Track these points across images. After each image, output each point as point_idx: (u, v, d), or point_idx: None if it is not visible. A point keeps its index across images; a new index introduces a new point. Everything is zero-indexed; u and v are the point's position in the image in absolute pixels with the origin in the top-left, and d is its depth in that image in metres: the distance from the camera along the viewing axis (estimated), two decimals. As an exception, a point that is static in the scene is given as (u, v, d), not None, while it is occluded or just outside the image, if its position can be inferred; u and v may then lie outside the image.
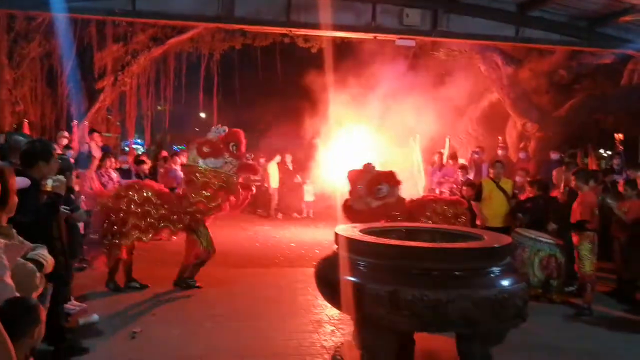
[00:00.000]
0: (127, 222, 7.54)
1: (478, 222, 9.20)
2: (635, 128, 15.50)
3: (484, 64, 15.35)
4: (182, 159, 13.57)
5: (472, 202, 9.24)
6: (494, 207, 9.01)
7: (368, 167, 8.74)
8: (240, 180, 8.19)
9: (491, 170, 9.57)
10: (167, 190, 8.25)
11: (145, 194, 7.68)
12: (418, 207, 8.70)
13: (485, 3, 11.25)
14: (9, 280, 2.81)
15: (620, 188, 8.91)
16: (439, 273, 4.31)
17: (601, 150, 18.13)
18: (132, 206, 7.58)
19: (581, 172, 7.96)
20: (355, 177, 8.71)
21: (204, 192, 7.71)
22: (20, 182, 3.06)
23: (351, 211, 8.60)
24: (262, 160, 17.60)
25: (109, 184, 10.35)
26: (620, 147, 12.37)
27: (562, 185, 9.04)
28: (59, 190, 4.65)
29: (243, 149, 8.12)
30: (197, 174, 7.72)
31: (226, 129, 8.05)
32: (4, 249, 2.79)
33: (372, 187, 8.48)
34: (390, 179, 8.67)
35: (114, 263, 7.75)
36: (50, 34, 14.02)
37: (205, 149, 7.76)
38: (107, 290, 7.72)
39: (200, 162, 7.73)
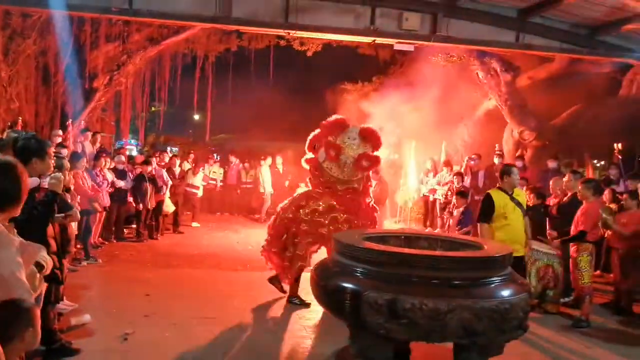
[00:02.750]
0: (314, 232, 7.42)
1: None
2: (632, 138, 15.48)
3: (482, 71, 15.30)
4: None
5: (479, 225, 7.00)
6: (512, 229, 6.81)
7: None
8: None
9: (507, 178, 7.01)
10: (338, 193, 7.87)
11: (328, 201, 7.57)
12: None
13: (486, 8, 11.19)
14: (23, 277, 2.73)
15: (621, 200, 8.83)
16: (439, 282, 4.20)
17: (594, 160, 18.09)
18: (316, 215, 7.47)
19: (590, 182, 7.83)
20: None
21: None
22: (31, 182, 2.99)
23: None
24: (246, 165, 17.53)
25: (103, 184, 10.26)
26: (619, 156, 12.27)
27: (564, 193, 8.83)
28: (56, 188, 4.55)
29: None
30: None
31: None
32: (19, 248, 2.71)
33: None
34: None
35: (298, 273, 7.53)
36: (46, 31, 13.91)
37: (331, 152, 7.69)
38: (98, 290, 7.64)
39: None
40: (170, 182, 12.68)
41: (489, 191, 7.16)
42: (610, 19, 10.86)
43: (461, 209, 10.22)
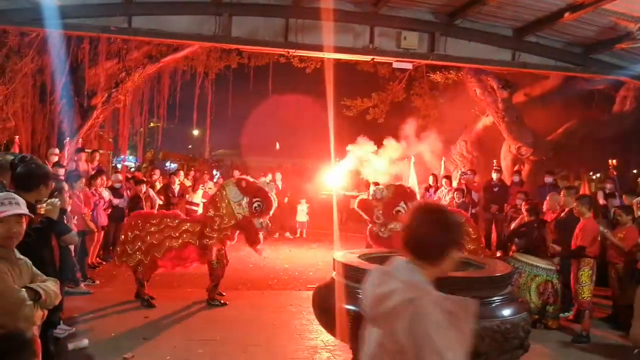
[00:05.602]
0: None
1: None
2: (627, 153, 15.59)
3: (480, 88, 15.39)
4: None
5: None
6: None
7: (376, 194, 8.71)
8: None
9: None
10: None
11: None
12: None
13: (482, 27, 11.26)
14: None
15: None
16: (440, 302, 4.21)
17: (590, 173, 18.21)
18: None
19: (585, 198, 7.86)
20: (367, 206, 8.71)
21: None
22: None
23: (379, 239, 8.63)
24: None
25: (99, 203, 10.23)
26: (614, 172, 12.35)
27: (562, 208, 8.84)
28: (52, 214, 4.49)
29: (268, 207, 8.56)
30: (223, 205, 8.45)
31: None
32: None
33: (390, 211, 8.44)
34: (405, 195, 8.62)
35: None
36: (44, 49, 13.90)
37: (243, 184, 8.39)
38: (95, 312, 7.62)
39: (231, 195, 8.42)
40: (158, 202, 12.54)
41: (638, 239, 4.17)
42: (603, 37, 10.95)
43: None
